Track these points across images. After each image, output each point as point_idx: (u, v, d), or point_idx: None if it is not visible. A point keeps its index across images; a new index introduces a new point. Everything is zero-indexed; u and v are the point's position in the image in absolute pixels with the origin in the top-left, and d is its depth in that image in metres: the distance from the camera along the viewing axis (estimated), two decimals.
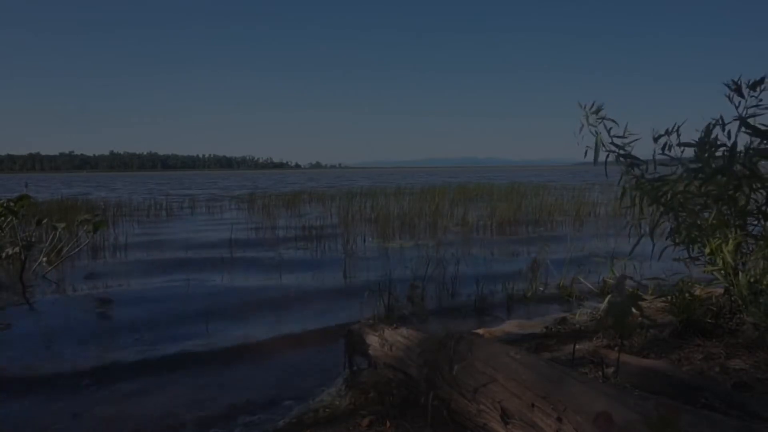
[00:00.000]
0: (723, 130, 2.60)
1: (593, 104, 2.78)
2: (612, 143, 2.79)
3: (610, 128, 2.80)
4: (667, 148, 2.74)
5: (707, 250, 2.72)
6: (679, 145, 2.71)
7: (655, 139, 2.75)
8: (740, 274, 2.68)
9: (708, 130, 2.63)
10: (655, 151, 2.78)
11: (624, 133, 2.79)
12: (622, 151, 2.80)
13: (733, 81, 2.54)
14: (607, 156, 2.83)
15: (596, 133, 2.80)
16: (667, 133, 2.73)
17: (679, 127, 2.71)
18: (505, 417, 1.55)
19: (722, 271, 2.71)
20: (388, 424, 1.96)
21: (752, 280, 2.62)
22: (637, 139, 2.80)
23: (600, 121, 2.79)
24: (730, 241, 2.60)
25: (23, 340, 3.32)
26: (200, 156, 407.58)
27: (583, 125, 2.81)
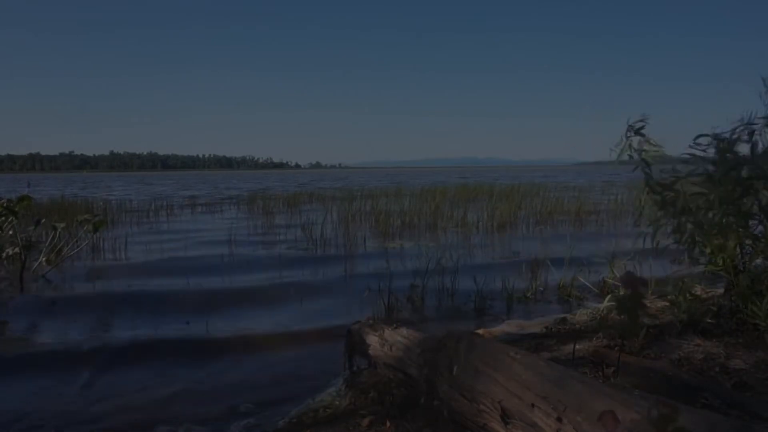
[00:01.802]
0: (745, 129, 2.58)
1: (639, 121, 2.80)
2: (638, 152, 2.80)
3: (641, 141, 2.82)
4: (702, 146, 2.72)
5: (708, 251, 2.72)
6: (710, 142, 2.69)
7: (698, 136, 2.72)
8: (741, 274, 2.68)
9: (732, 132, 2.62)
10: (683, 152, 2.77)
11: (653, 142, 2.81)
12: (648, 159, 2.80)
13: (765, 79, 2.51)
14: (630, 156, 2.83)
15: (630, 141, 2.81)
16: (713, 136, 2.70)
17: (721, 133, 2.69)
18: (505, 417, 1.55)
19: (723, 271, 2.72)
20: (388, 424, 1.96)
21: (753, 280, 2.62)
22: (661, 147, 2.81)
23: (635, 134, 2.80)
24: (731, 241, 2.60)
25: (21, 340, 3.32)
26: (200, 156, 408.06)
27: (622, 139, 2.83)
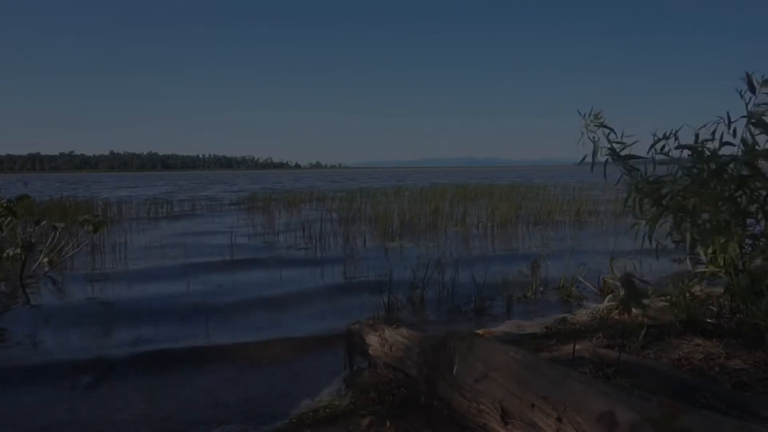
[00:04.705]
0: (729, 128, 2.59)
1: (591, 111, 2.80)
2: (610, 148, 2.80)
3: (609, 134, 2.81)
4: (665, 150, 2.74)
5: (710, 251, 2.72)
6: (677, 147, 2.71)
7: (655, 142, 2.75)
8: (741, 273, 2.68)
9: (713, 131, 2.63)
10: (654, 153, 2.78)
11: (621, 137, 2.80)
12: (619, 154, 2.80)
13: (747, 75, 2.48)
14: (606, 160, 2.83)
15: (594, 139, 2.81)
16: (665, 137, 2.72)
17: (677, 131, 2.71)
18: (505, 417, 1.55)
19: (723, 271, 2.72)
20: (388, 424, 1.96)
21: (753, 279, 2.62)
22: (635, 142, 2.81)
23: (598, 127, 2.80)
24: (731, 241, 2.60)
25: (22, 340, 3.32)
26: (200, 156, 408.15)
27: (583, 133, 2.82)
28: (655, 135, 2.76)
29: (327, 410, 2.18)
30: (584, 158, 2.83)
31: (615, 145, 2.80)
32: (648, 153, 2.77)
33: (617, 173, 2.87)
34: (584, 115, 2.82)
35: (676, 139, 2.71)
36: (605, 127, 2.79)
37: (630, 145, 2.79)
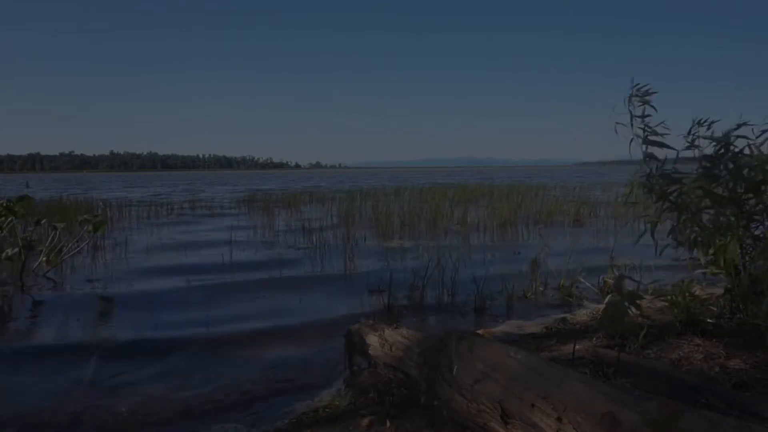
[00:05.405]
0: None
1: (643, 86, 2.67)
2: (643, 129, 2.68)
3: (648, 115, 2.70)
4: (695, 135, 2.66)
5: (711, 251, 2.71)
6: (706, 138, 2.63)
7: (693, 125, 2.64)
8: (742, 274, 2.68)
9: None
10: (679, 149, 2.69)
11: (658, 125, 2.70)
12: (651, 138, 2.68)
13: None
14: (631, 140, 2.73)
15: (633, 112, 2.67)
16: (699, 123, 2.65)
17: (713, 122, 2.63)
18: (505, 417, 1.55)
19: (723, 272, 2.71)
20: (388, 424, 1.97)
21: (753, 280, 2.62)
22: (666, 134, 2.71)
23: (643, 104, 2.67)
24: (733, 241, 2.60)
25: (22, 341, 3.32)
26: (200, 156, 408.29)
27: (626, 102, 2.69)
28: (693, 119, 2.67)
29: (327, 410, 2.18)
30: (615, 126, 2.70)
31: (647, 129, 2.68)
32: (686, 135, 2.66)
33: (623, 170, 2.81)
34: (634, 85, 2.66)
35: (709, 127, 2.64)
36: (649, 105, 2.66)
37: (661, 134, 2.70)
